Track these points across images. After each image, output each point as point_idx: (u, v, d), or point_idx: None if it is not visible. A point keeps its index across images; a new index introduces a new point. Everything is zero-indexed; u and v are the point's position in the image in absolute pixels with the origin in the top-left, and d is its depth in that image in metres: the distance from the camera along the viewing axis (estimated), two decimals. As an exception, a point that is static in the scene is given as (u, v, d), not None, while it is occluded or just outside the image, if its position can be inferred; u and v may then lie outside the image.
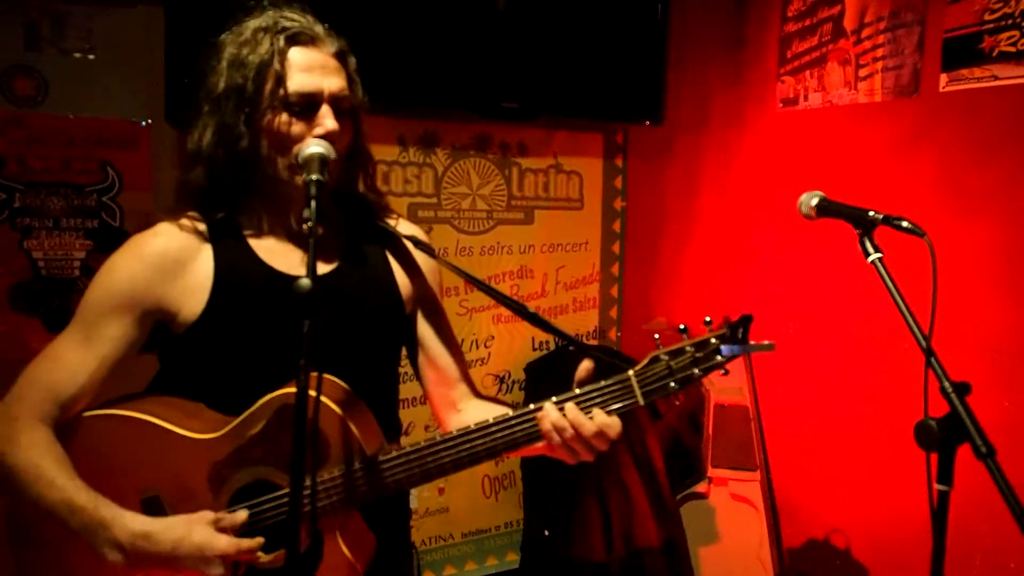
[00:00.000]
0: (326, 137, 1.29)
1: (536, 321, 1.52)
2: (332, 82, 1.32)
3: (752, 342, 1.28)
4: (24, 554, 1.34)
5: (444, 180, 2.91)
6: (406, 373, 1.60)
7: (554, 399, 1.28)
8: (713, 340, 1.28)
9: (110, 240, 2.37)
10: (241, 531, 1.29)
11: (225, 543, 1.23)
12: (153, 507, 1.30)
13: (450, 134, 2.91)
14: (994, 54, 2.42)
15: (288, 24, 1.32)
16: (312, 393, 1.12)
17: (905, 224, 1.39)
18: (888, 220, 1.41)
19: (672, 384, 1.27)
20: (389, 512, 1.50)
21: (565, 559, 2.91)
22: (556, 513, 2.97)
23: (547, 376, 3.12)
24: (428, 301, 1.57)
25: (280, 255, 1.39)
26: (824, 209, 1.54)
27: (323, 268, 1.42)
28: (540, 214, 3.15)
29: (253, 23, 1.33)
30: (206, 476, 1.30)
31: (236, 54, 1.31)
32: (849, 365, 2.94)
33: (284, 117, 1.29)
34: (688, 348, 1.28)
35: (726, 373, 1.30)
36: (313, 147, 1.26)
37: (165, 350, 1.40)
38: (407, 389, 1.63)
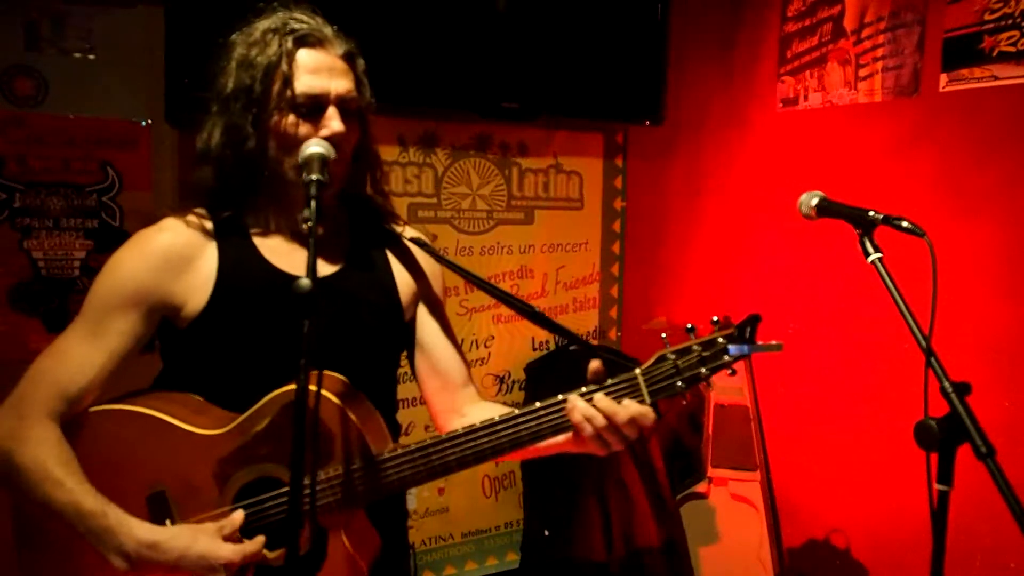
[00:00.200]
0: (331, 139, 1.29)
1: (542, 321, 1.52)
2: (339, 84, 1.33)
3: (759, 342, 1.27)
4: (29, 554, 1.34)
5: (444, 180, 2.91)
6: (405, 373, 1.60)
7: (573, 395, 1.28)
8: (720, 340, 1.27)
9: (110, 240, 2.37)
10: (245, 527, 1.29)
11: (229, 552, 1.24)
12: (159, 504, 1.31)
13: (450, 134, 2.91)
14: (994, 54, 2.42)
15: (297, 26, 1.33)
16: (312, 389, 1.12)
17: (905, 224, 1.39)
18: (888, 220, 1.41)
19: (679, 383, 1.27)
20: (388, 512, 1.50)
21: (565, 559, 2.91)
22: (556, 513, 2.97)
23: (547, 376, 3.12)
24: (430, 306, 1.57)
25: (284, 254, 1.39)
26: (824, 209, 1.54)
27: (327, 269, 1.43)
28: (540, 214, 3.15)
29: (263, 24, 1.34)
30: (211, 473, 1.31)
31: (245, 55, 1.32)
32: (849, 365, 2.94)
33: (291, 118, 1.30)
34: (695, 347, 1.27)
35: (733, 373, 1.29)
36: (313, 147, 1.26)
37: (168, 345, 1.41)
38: (407, 389, 1.63)
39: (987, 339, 2.47)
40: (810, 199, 1.56)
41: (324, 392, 1.19)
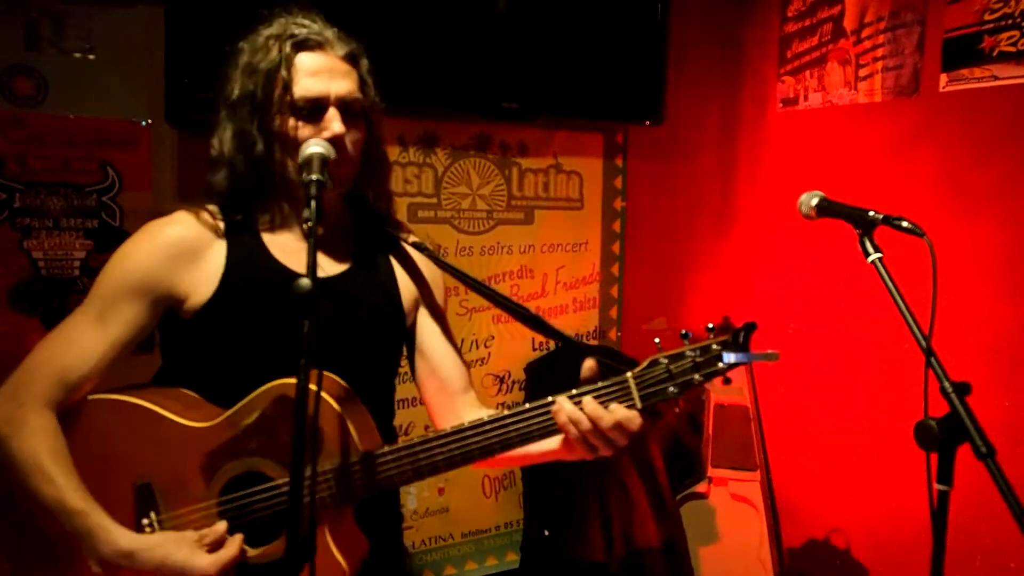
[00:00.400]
0: (333, 140, 1.30)
1: (543, 328, 1.51)
2: (339, 85, 1.34)
3: (756, 351, 1.24)
4: (8, 531, 1.34)
5: (444, 180, 2.91)
6: (405, 374, 1.60)
7: (562, 396, 1.27)
8: (715, 346, 1.24)
9: (110, 240, 2.37)
10: (233, 526, 1.29)
11: (207, 563, 1.23)
12: (145, 496, 1.31)
13: (450, 134, 2.91)
14: (994, 54, 2.42)
15: (296, 31, 1.34)
16: (312, 387, 1.12)
17: (905, 224, 1.39)
18: (888, 220, 1.41)
19: (671, 388, 1.25)
20: (380, 516, 1.50)
21: (565, 559, 2.91)
22: (556, 513, 2.97)
23: (547, 376, 3.11)
24: (431, 311, 1.57)
25: (293, 254, 1.40)
26: (824, 209, 1.54)
27: (333, 269, 1.45)
28: (540, 214, 3.15)
29: (266, 31, 1.36)
30: (199, 465, 1.30)
31: (248, 61, 1.35)
32: (849, 365, 2.94)
33: (292, 121, 1.32)
34: (689, 353, 1.25)
35: (728, 382, 1.27)
36: (313, 147, 1.26)
37: (169, 338, 1.42)
38: (408, 389, 1.63)
39: (987, 339, 2.47)
40: (810, 199, 1.56)
41: (322, 393, 1.18)
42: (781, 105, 3.27)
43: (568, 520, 2.93)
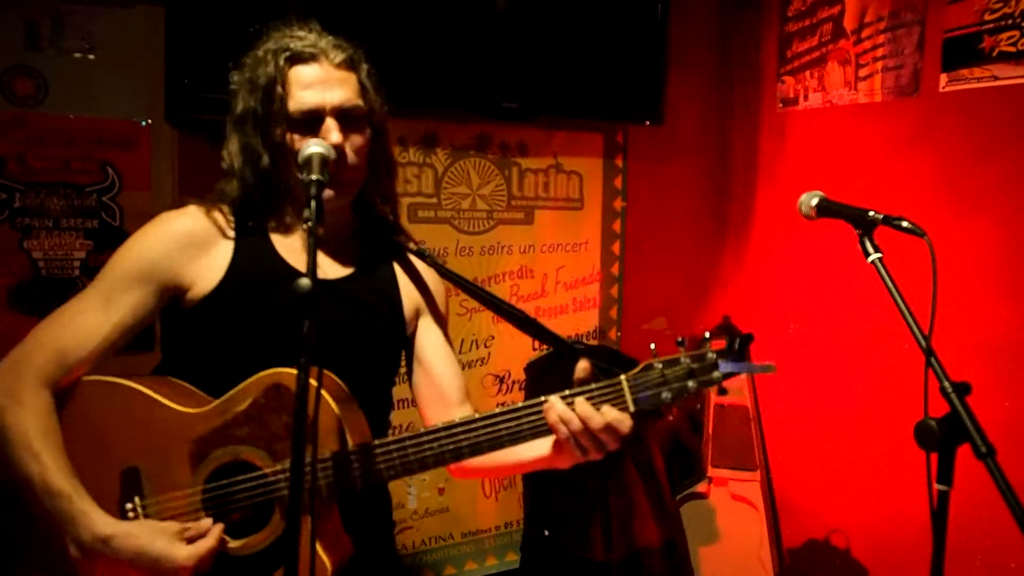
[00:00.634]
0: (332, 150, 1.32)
1: (540, 333, 1.51)
2: (334, 95, 1.35)
3: (753, 362, 1.23)
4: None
5: (444, 180, 2.91)
6: (403, 373, 1.60)
7: (554, 396, 1.27)
8: (711, 355, 1.23)
9: (110, 240, 2.37)
10: (217, 514, 1.29)
11: (184, 555, 1.23)
12: (131, 480, 1.31)
13: (450, 134, 2.91)
14: (994, 54, 2.42)
15: (292, 44, 1.36)
16: (312, 383, 1.12)
17: (905, 224, 1.39)
18: (888, 220, 1.41)
19: (665, 394, 1.24)
20: (371, 519, 1.51)
21: (565, 559, 2.91)
22: (556, 513, 2.97)
23: (547, 376, 3.12)
24: (431, 320, 1.58)
25: (299, 254, 1.42)
26: (824, 209, 1.54)
27: (337, 272, 1.46)
28: (540, 214, 3.15)
29: (264, 45, 1.39)
30: (188, 451, 1.30)
31: (249, 77, 1.38)
32: (849, 365, 2.94)
33: (291, 135, 1.34)
34: (684, 360, 1.24)
35: (724, 393, 1.25)
36: (312, 147, 1.27)
37: (170, 328, 1.43)
38: (405, 390, 1.63)
39: (987, 339, 2.47)
40: (810, 199, 1.56)
41: (313, 384, 1.17)
42: (781, 105, 3.27)
43: (568, 520, 2.93)
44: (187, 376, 1.39)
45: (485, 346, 3.06)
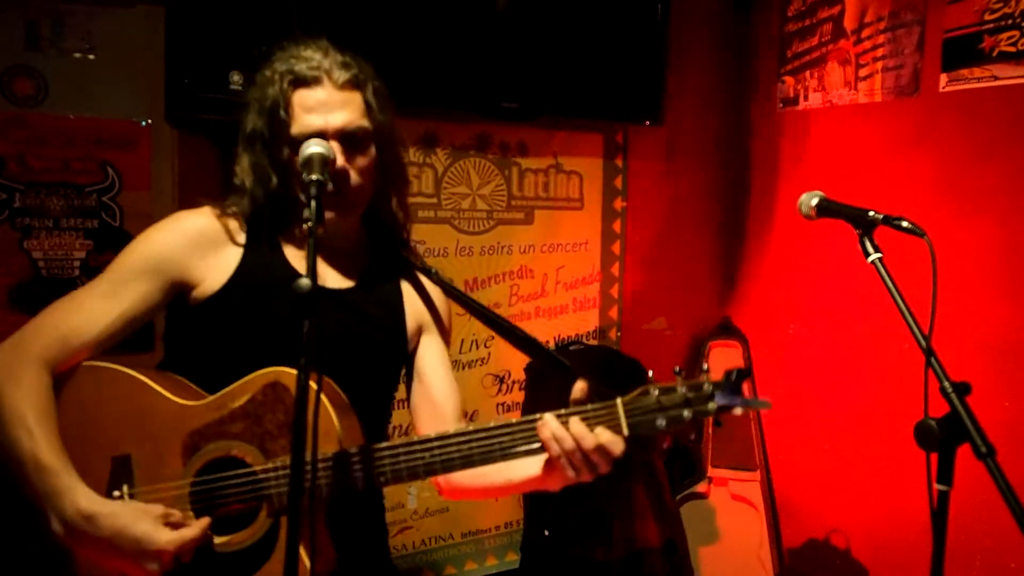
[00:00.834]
0: (336, 173, 1.33)
1: (544, 355, 1.51)
2: (337, 117, 1.36)
3: (749, 398, 1.22)
4: None
5: (444, 180, 2.91)
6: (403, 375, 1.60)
7: (549, 414, 1.26)
8: (707, 386, 1.22)
9: (110, 240, 2.37)
10: (203, 508, 1.29)
11: (165, 539, 1.22)
12: (122, 467, 1.31)
13: (450, 134, 2.90)
14: (994, 54, 2.42)
15: (296, 67, 1.37)
16: (312, 385, 1.12)
17: (905, 224, 1.39)
18: (888, 220, 1.41)
19: (660, 421, 1.23)
20: (363, 530, 1.51)
21: (565, 559, 2.91)
22: (556, 513, 2.97)
23: (547, 376, 3.11)
24: (433, 338, 1.59)
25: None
26: (824, 209, 1.54)
27: (341, 283, 1.47)
28: (540, 214, 3.15)
29: (272, 65, 1.41)
30: (181, 443, 1.31)
31: (256, 98, 1.40)
32: (849, 365, 2.94)
33: (296, 157, 1.34)
34: (680, 389, 1.23)
35: (719, 425, 1.25)
36: (313, 147, 1.27)
37: (174, 324, 1.44)
38: (403, 391, 1.63)
39: (987, 339, 2.47)
40: (810, 199, 1.56)
41: (312, 386, 1.18)
42: (781, 105, 3.27)
43: (568, 520, 2.93)
44: (188, 373, 1.40)
45: (485, 346, 3.06)
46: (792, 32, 3.20)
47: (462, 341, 2.99)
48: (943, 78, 2.59)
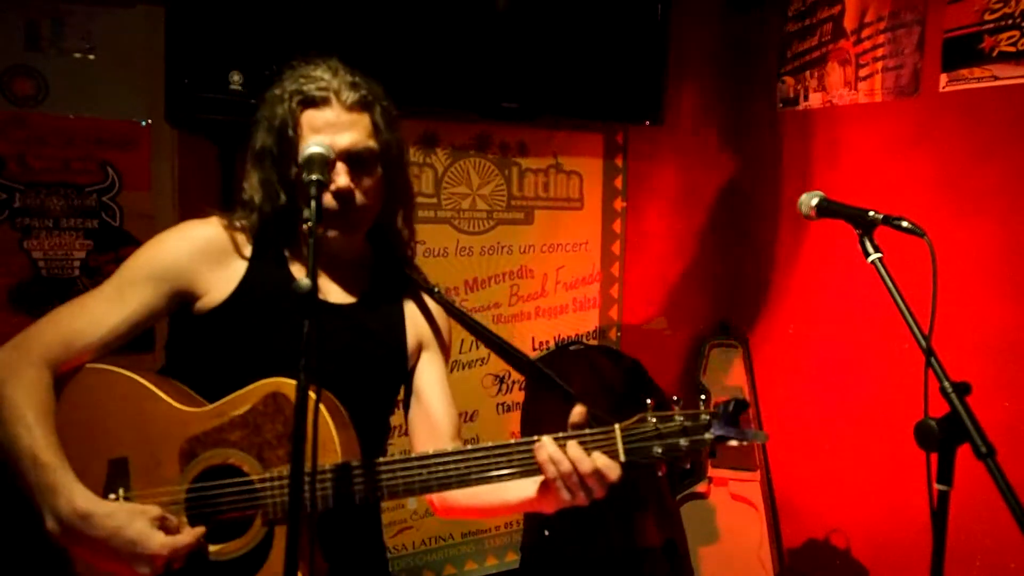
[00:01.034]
0: (340, 193, 1.35)
1: (545, 379, 1.53)
2: (344, 138, 1.37)
3: (745, 429, 1.24)
4: None
5: (444, 180, 2.91)
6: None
7: (547, 436, 1.27)
8: (704, 416, 1.25)
9: (110, 240, 2.37)
10: (198, 515, 1.29)
11: (159, 543, 1.23)
12: (118, 470, 1.31)
13: (450, 134, 2.90)
14: (994, 54, 2.42)
15: (305, 87, 1.38)
16: (312, 395, 1.12)
17: (905, 224, 1.39)
18: (888, 220, 1.41)
19: (656, 448, 1.24)
20: (360, 546, 1.51)
21: (565, 559, 2.91)
22: (556, 513, 2.97)
23: (545, 388, 3.11)
24: (433, 357, 1.60)
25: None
26: (824, 209, 1.54)
27: (344, 299, 1.49)
28: (540, 214, 3.15)
29: (282, 84, 1.42)
30: (179, 449, 1.31)
31: (266, 116, 1.41)
32: (849, 365, 2.94)
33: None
34: (678, 417, 1.25)
35: (714, 456, 1.26)
36: (313, 147, 1.27)
37: (177, 333, 1.45)
38: (402, 392, 1.64)
39: (987, 339, 2.47)
40: (810, 199, 1.56)
41: (312, 395, 1.18)
42: (781, 105, 3.27)
43: (568, 520, 2.93)
44: (188, 382, 1.40)
45: (485, 346, 3.05)
46: (792, 32, 3.20)
47: (462, 341, 2.99)
48: (943, 78, 2.59)
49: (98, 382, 1.34)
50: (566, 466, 1.24)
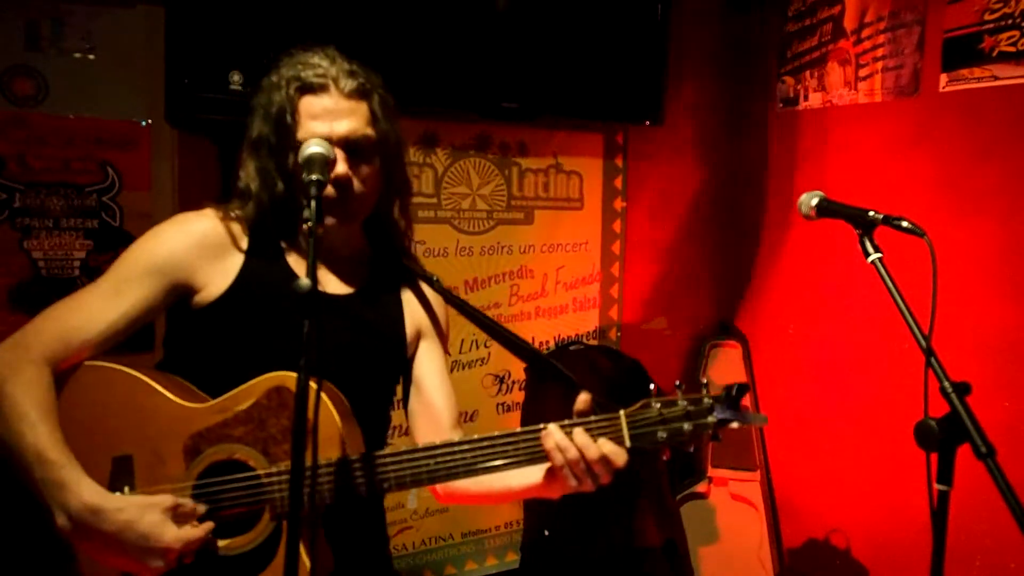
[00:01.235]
0: (338, 181, 1.34)
1: (545, 366, 1.55)
2: (341, 125, 1.36)
3: (747, 412, 1.26)
4: None
5: (444, 180, 2.91)
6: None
7: (553, 424, 1.27)
8: (707, 400, 1.27)
9: (110, 240, 2.37)
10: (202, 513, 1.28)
11: (172, 536, 1.22)
12: (122, 468, 1.30)
13: (450, 134, 2.90)
14: (994, 54, 2.42)
15: (303, 73, 1.37)
16: (312, 384, 1.12)
17: (905, 224, 1.39)
18: (888, 220, 1.41)
19: (661, 434, 1.26)
20: (362, 536, 1.51)
21: (565, 559, 2.91)
22: (556, 513, 2.97)
23: (547, 376, 3.11)
24: (431, 345, 1.59)
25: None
26: (824, 209, 1.54)
27: (341, 290, 1.48)
28: (540, 214, 3.15)
29: (280, 72, 1.41)
30: (183, 445, 1.30)
31: (263, 103, 1.40)
32: (849, 365, 2.94)
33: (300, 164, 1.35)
34: (681, 402, 1.27)
35: (717, 439, 1.28)
36: (313, 147, 1.27)
37: (175, 328, 1.44)
38: (402, 391, 1.64)
39: (987, 339, 2.47)
40: (810, 199, 1.56)
41: (312, 386, 1.18)
42: (781, 105, 3.27)
43: (568, 520, 2.93)
44: (188, 376, 1.39)
45: (485, 346, 3.06)
46: (792, 32, 3.20)
47: (462, 341, 2.99)
48: (943, 78, 2.59)
49: (98, 380, 1.34)
50: (573, 453, 1.25)
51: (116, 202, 2.39)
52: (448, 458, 1.28)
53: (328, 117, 1.36)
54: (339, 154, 1.35)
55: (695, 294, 3.57)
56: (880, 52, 2.81)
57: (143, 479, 1.31)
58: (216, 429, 1.30)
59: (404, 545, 2.93)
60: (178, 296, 1.39)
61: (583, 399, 1.31)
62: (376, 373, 1.50)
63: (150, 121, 2.41)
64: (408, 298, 1.57)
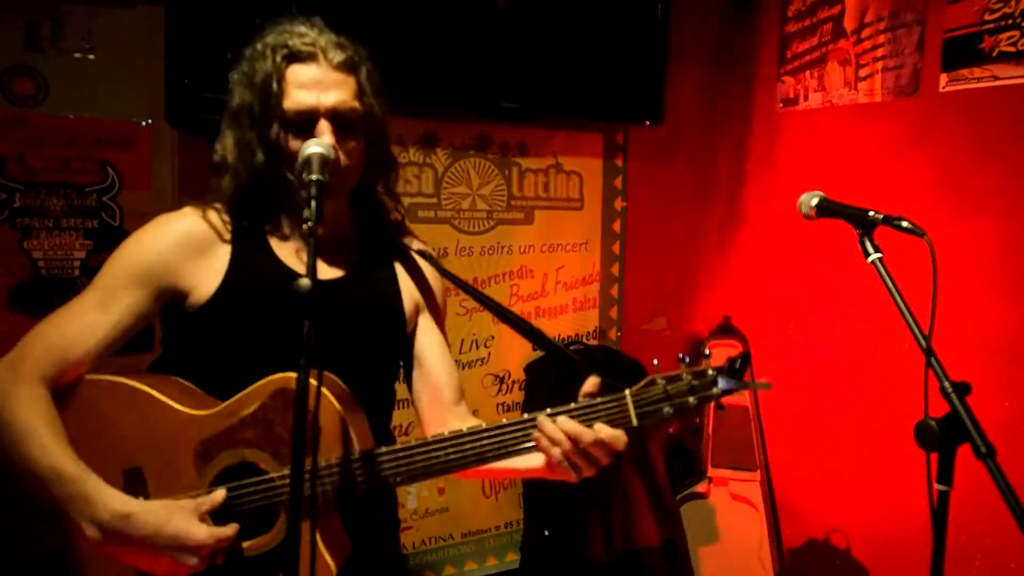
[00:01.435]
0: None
1: (537, 338, 1.52)
2: (330, 96, 1.34)
3: (749, 380, 1.29)
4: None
5: (444, 180, 2.91)
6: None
7: (548, 411, 1.28)
8: (710, 372, 1.29)
9: (110, 240, 2.37)
10: (221, 513, 1.29)
11: (204, 534, 1.23)
12: (135, 480, 1.30)
13: (450, 134, 2.90)
14: (994, 54, 2.42)
15: (290, 41, 1.34)
16: (313, 383, 1.12)
17: (905, 224, 1.39)
18: (888, 220, 1.41)
19: (667, 409, 1.27)
20: (376, 520, 1.51)
21: (565, 559, 2.91)
22: (556, 513, 2.97)
23: (547, 376, 3.12)
24: (430, 320, 1.58)
25: (297, 257, 1.42)
26: (824, 209, 1.54)
27: (332, 273, 1.45)
28: (540, 214, 3.15)
29: (263, 40, 1.37)
30: (193, 453, 1.30)
31: (246, 72, 1.36)
32: (849, 365, 2.94)
33: (285, 134, 1.33)
34: (685, 376, 1.28)
35: (721, 408, 1.31)
36: (312, 147, 1.26)
37: (171, 330, 1.43)
38: (405, 391, 1.63)
39: (987, 339, 2.47)
40: (810, 199, 1.56)
41: (313, 384, 1.17)
42: (781, 105, 3.27)
43: (568, 520, 2.93)
44: (188, 376, 1.39)
45: (485, 346, 3.06)
46: (792, 32, 3.20)
47: (462, 341, 2.99)
48: (943, 78, 2.59)
49: (99, 394, 1.33)
50: (566, 445, 1.26)
51: (116, 202, 2.39)
52: (457, 450, 1.29)
53: (316, 88, 1.33)
54: (325, 125, 1.32)
55: (695, 294, 3.57)
56: (880, 52, 2.81)
57: (156, 489, 1.31)
58: (225, 434, 1.30)
59: (404, 545, 2.93)
60: (168, 300, 1.37)
61: (592, 382, 1.31)
62: (374, 353, 1.49)
63: (150, 121, 2.41)
64: (403, 274, 1.55)
